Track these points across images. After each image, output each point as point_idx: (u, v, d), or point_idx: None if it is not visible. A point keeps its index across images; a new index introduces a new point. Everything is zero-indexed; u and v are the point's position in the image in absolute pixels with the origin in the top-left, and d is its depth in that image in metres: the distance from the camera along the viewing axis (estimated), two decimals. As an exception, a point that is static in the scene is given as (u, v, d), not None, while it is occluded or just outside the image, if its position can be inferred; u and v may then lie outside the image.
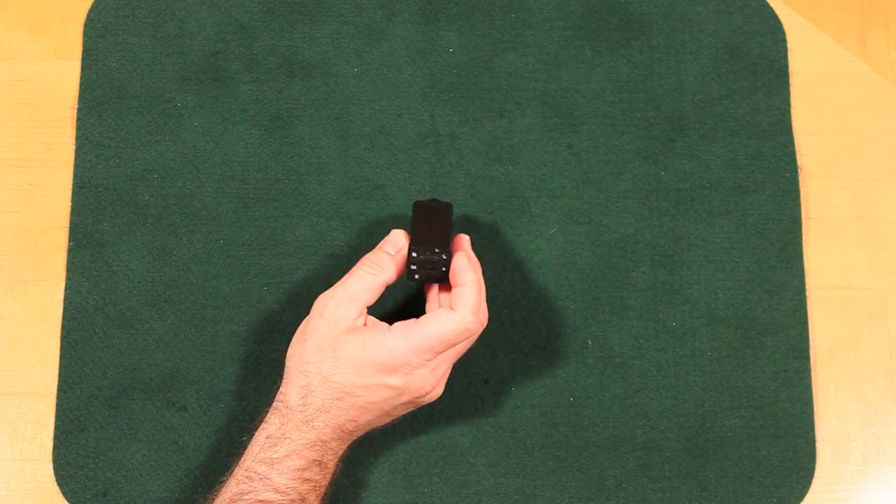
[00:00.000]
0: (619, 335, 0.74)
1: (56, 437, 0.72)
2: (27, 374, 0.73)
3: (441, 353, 0.63)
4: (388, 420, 0.66)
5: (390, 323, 0.65)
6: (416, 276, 0.66)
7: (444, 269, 0.65)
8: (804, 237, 0.76)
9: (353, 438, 0.66)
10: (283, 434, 0.62)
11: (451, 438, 0.73)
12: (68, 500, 0.71)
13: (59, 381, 0.72)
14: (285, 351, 0.73)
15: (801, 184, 0.77)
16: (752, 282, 0.75)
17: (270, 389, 0.73)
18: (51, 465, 0.71)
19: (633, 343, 0.74)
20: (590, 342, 0.74)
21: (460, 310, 0.63)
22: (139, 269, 0.74)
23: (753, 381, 0.74)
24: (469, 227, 0.76)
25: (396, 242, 0.67)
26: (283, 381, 0.65)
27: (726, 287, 0.75)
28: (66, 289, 0.74)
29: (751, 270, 0.76)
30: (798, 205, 0.77)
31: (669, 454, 0.73)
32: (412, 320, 0.64)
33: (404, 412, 0.66)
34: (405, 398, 0.64)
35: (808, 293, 0.76)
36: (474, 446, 0.73)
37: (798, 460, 0.73)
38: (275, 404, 0.65)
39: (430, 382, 0.64)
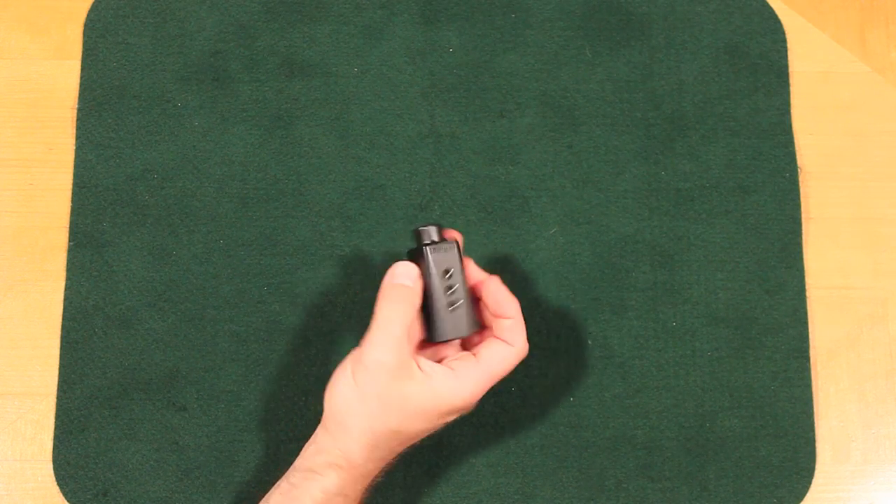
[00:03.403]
0: (619, 335, 0.74)
1: (56, 437, 0.72)
2: (27, 374, 0.73)
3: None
4: None
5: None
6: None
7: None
8: (804, 237, 0.76)
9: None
10: (341, 490, 0.61)
11: (451, 438, 0.73)
12: (68, 500, 0.71)
13: (59, 381, 0.72)
14: (285, 350, 0.73)
15: (801, 184, 0.77)
16: (752, 282, 0.75)
17: (270, 389, 0.73)
18: (51, 465, 0.71)
19: (633, 343, 0.74)
20: (590, 342, 0.74)
21: (517, 343, 0.62)
22: (139, 269, 0.74)
23: (753, 381, 0.74)
24: (469, 226, 0.76)
25: (411, 275, 0.62)
26: (338, 433, 0.61)
27: (726, 287, 0.75)
28: (66, 289, 0.74)
29: (751, 270, 0.76)
30: (798, 205, 0.77)
31: (669, 454, 0.73)
32: (470, 359, 0.62)
33: None
34: (451, 422, 0.63)
35: (808, 293, 0.76)
36: (474, 446, 0.73)
37: (798, 460, 0.73)
38: (332, 459, 0.61)
39: (476, 403, 0.63)
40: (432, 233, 0.63)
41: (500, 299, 0.62)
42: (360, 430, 0.60)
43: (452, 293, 0.62)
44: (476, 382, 0.61)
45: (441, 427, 0.63)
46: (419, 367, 0.61)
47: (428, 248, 0.62)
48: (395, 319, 0.60)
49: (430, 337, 0.63)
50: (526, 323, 0.73)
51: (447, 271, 0.62)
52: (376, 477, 0.64)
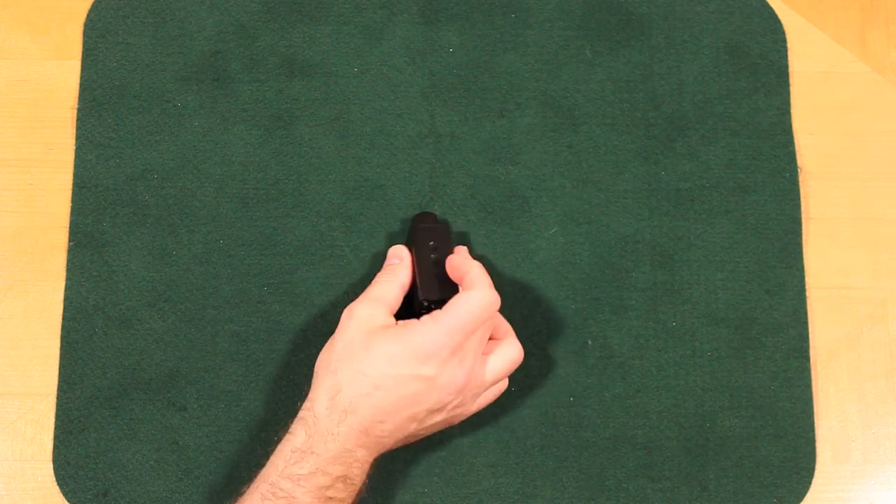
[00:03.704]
0: (619, 335, 0.74)
1: (56, 437, 0.72)
2: (27, 374, 0.73)
3: (472, 333, 0.64)
4: (414, 428, 0.65)
5: None
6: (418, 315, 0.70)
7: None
8: (804, 237, 0.76)
9: (380, 449, 0.65)
10: (309, 447, 0.62)
11: (451, 438, 0.73)
12: (68, 500, 0.71)
13: (59, 381, 0.72)
14: (285, 350, 0.73)
15: (801, 184, 0.77)
16: (752, 282, 0.75)
17: (271, 389, 0.73)
18: (51, 465, 0.71)
19: (633, 343, 0.74)
20: (590, 342, 0.74)
21: (478, 287, 0.65)
22: (139, 269, 0.74)
23: (753, 381, 0.74)
24: (469, 226, 0.76)
25: (400, 254, 0.71)
26: (311, 388, 0.65)
27: (726, 287, 0.75)
28: (66, 289, 0.74)
29: (751, 270, 0.76)
30: (798, 205, 0.77)
31: (669, 454, 0.73)
32: (437, 311, 0.65)
33: (432, 426, 0.66)
34: (434, 397, 0.64)
35: (808, 293, 0.76)
36: (474, 446, 0.73)
37: (798, 460, 0.73)
38: (301, 413, 0.64)
39: (459, 376, 0.64)
40: (428, 217, 0.74)
41: (458, 264, 0.68)
42: (323, 373, 0.64)
43: (437, 262, 0.70)
44: (438, 323, 0.64)
45: (419, 394, 0.63)
46: (394, 321, 0.66)
47: (419, 223, 0.73)
48: (377, 284, 0.68)
49: (419, 297, 0.69)
50: (525, 322, 0.74)
51: (434, 245, 0.71)
52: (361, 450, 0.62)
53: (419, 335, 0.64)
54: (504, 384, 0.69)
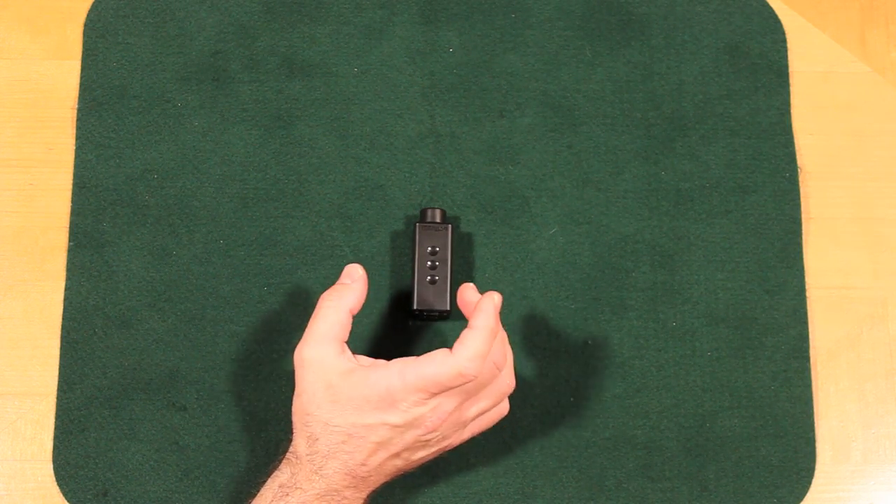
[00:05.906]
0: (619, 335, 0.74)
1: (56, 437, 0.72)
2: (27, 374, 0.73)
3: (437, 394, 0.61)
4: (401, 464, 0.64)
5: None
6: (417, 321, 0.72)
7: (444, 316, 0.72)
8: (804, 237, 0.76)
9: (370, 486, 0.64)
10: (295, 484, 0.62)
11: (451, 438, 0.73)
12: (68, 500, 0.71)
13: (59, 381, 0.72)
14: (285, 350, 0.73)
15: (801, 184, 0.77)
16: (752, 282, 0.75)
17: (270, 389, 0.73)
18: (51, 465, 0.71)
19: (633, 343, 0.74)
20: (590, 342, 0.74)
21: (458, 354, 0.60)
22: (139, 269, 0.74)
23: (753, 381, 0.74)
24: (469, 226, 0.76)
25: (352, 274, 0.66)
26: (293, 433, 0.65)
27: (726, 287, 0.75)
28: (66, 289, 0.74)
29: (751, 270, 0.76)
30: (798, 205, 0.77)
31: (669, 454, 0.73)
32: (412, 358, 0.62)
33: (420, 459, 0.65)
34: (409, 437, 0.62)
35: (808, 293, 0.76)
36: (474, 446, 0.72)
37: (798, 460, 0.73)
38: (287, 455, 0.64)
39: (430, 421, 0.62)
40: (434, 214, 0.72)
41: (479, 308, 0.62)
42: (298, 425, 0.64)
43: (434, 269, 0.70)
44: (403, 377, 0.60)
45: (392, 439, 0.62)
46: (352, 359, 0.63)
47: (419, 225, 0.72)
48: (321, 317, 0.63)
49: (414, 306, 0.70)
50: (525, 322, 0.74)
51: (433, 249, 0.71)
52: (349, 490, 0.62)
53: (381, 386, 0.61)
54: (504, 408, 0.68)
